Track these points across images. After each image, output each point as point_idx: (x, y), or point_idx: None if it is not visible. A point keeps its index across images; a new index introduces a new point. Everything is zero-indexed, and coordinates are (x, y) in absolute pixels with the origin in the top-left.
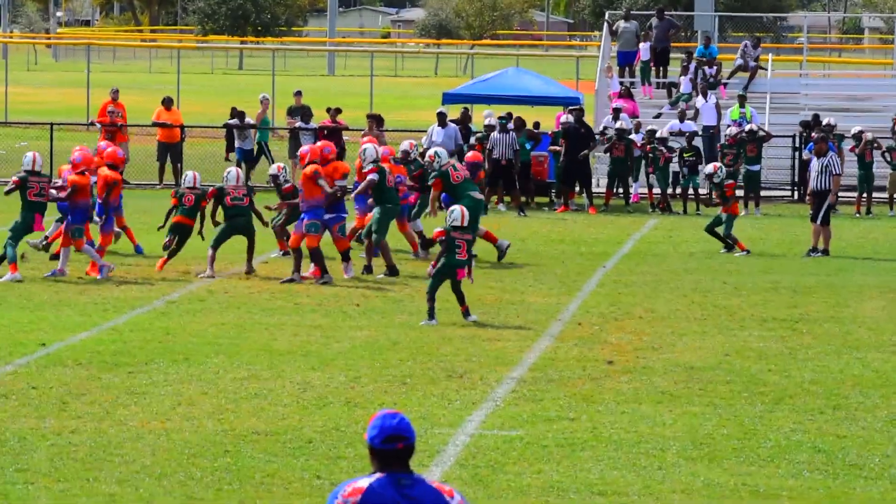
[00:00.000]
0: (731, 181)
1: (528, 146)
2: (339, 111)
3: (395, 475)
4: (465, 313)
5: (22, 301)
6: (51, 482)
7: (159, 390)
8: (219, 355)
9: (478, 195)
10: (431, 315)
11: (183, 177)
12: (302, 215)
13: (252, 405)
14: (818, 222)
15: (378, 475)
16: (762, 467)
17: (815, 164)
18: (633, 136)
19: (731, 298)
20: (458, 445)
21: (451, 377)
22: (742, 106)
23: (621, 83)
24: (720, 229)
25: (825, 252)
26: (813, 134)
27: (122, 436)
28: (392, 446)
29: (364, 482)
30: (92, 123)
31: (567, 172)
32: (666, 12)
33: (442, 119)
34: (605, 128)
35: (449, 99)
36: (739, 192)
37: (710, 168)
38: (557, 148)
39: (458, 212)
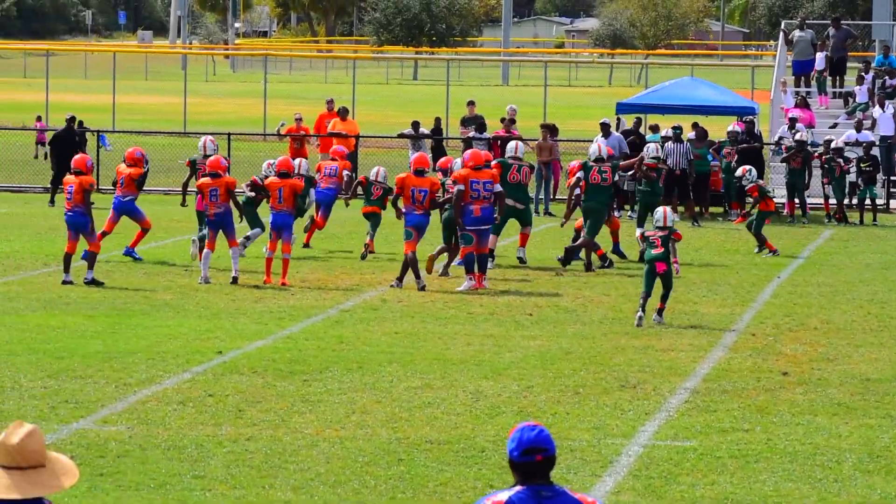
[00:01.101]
0: (753, 184)
1: (709, 157)
2: (513, 121)
3: (535, 487)
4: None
5: (200, 309)
6: (227, 489)
7: (333, 398)
8: (392, 364)
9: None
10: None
11: (375, 171)
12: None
13: (425, 414)
14: None
15: (518, 488)
16: None
17: None
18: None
19: None
20: (630, 456)
21: (624, 387)
22: None
23: (797, 93)
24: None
25: None
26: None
27: (296, 443)
28: (531, 458)
29: (504, 495)
30: (279, 134)
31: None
32: (843, 21)
33: (605, 129)
34: (781, 138)
35: (623, 109)
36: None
37: (739, 171)
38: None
39: (660, 212)
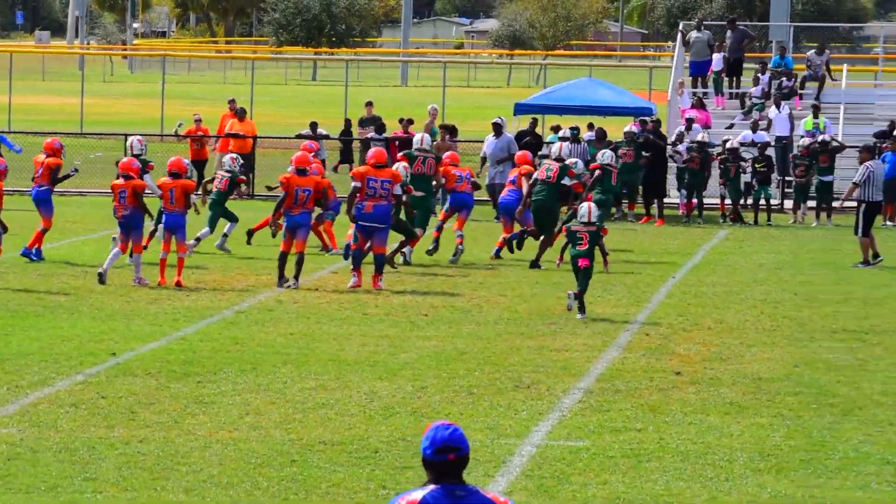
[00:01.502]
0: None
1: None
2: (411, 122)
3: (449, 486)
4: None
5: (94, 311)
6: (119, 491)
7: (227, 400)
8: (287, 365)
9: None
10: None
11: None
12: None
13: (319, 415)
14: (859, 234)
15: (432, 487)
16: (830, 479)
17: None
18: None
19: (801, 310)
20: (524, 456)
21: (518, 387)
22: (816, 116)
23: (694, 93)
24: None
25: (865, 262)
26: (885, 144)
27: (189, 445)
28: (444, 457)
29: (418, 494)
30: (177, 134)
31: (647, 184)
32: (739, 22)
33: (497, 129)
34: (677, 140)
35: (521, 109)
36: (811, 203)
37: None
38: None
39: (585, 208)
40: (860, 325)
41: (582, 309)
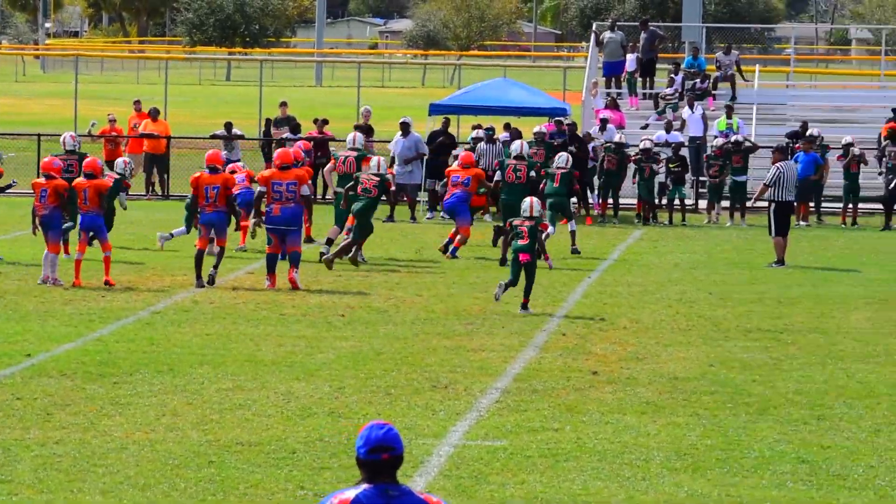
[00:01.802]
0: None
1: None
2: (326, 122)
3: (382, 486)
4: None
5: (8, 312)
6: (34, 493)
7: (144, 401)
8: (203, 366)
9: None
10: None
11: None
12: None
13: (236, 416)
14: (772, 234)
15: (365, 486)
16: (746, 478)
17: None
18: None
19: (716, 309)
20: (441, 456)
21: (436, 388)
22: (729, 117)
23: (608, 94)
24: None
25: (779, 262)
26: (797, 144)
27: (106, 446)
28: (377, 457)
29: (351, 493)
30: (90, 134)
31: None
32: (653, 23)
33: (405, 128)
34: (593, 138)
35: (436, 110)
36: (725, 203)
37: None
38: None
39: (527, 202)
40: (774, 325)
41: (525, 306)
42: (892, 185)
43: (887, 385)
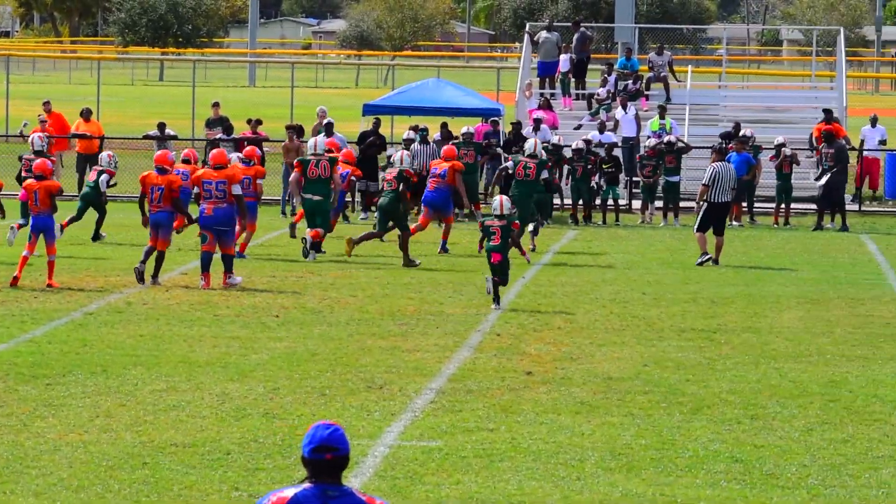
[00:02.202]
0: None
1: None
2: (259, 122)
3: (323, 486)
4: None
5: None
6: None
7: (77, 402)
8: (137, 367)
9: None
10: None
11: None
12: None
13: (170, 417)
14: (704, 231)
15: (306, 485)
16: (680, 477)
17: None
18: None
19: (650, 309)
20: (377, 457)
21: (371, 388)
22: (662, 117)
23: (541, 94)
24: None
25: (705, 255)
26: (730, 145)
27: (39, 448)
28: (321, 457)
29: (290, 492)
30: (22, 135)
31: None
32: (586, 24)
33: (329, 129)
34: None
35: (369, 110)
36: (658, 203)
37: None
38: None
39: (497, 200)
40: (708, 325)
41: (497, 299)
42: (822, 183)
43: (819, 384)
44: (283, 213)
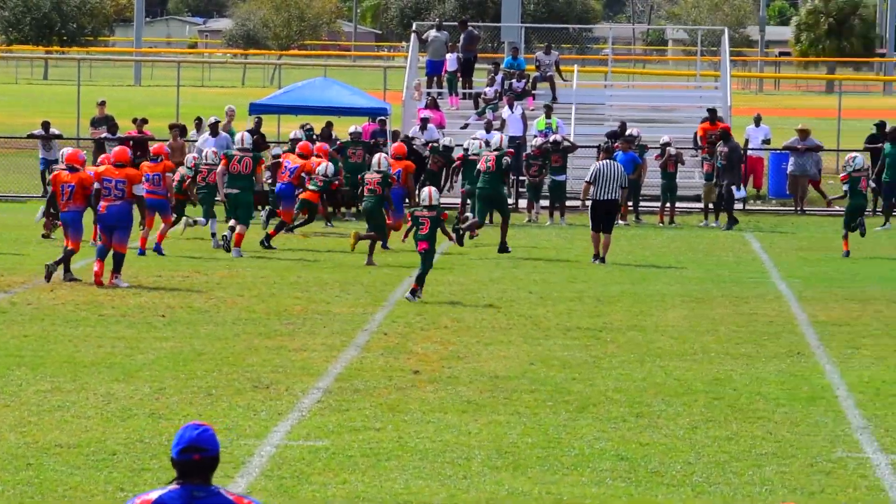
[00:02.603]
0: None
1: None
2: (145, 121)
3: (190, 487)
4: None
5: None
6: None
7: None
8: (21, 367)
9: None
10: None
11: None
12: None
13: (55, 418)
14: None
15: (172, 487)
16: (566, 475)
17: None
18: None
19: (537, 308)
20: (263, 456)
21: (258, 388)
22: (548, 116)
23: (428, 93)
24: None
25: (602, 259)
26: (616, 144)
27: None
28: (189, 457)
29: (155, 494)
30: None
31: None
32: (470, 23)
33: (214, 128)
34: (413, 138)
35: (256, 109)
36: (545, 203)
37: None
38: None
39: (426, 192)
40: (594, 323)
41: (415, 293)
42: (717, 183)
43: (704, 382)
44: (258, 208)
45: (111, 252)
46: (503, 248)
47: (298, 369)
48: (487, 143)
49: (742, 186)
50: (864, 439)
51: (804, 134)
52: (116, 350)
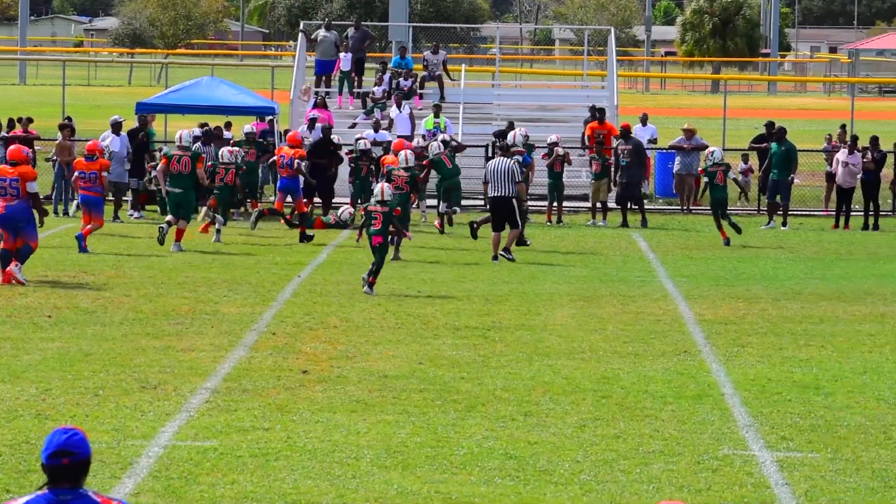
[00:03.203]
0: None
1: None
2: (30, 120)
3: (57, 491)
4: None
5: None
6: None
7: None
8: None
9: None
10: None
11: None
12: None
13: None
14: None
15: (40, 492)
16: (455, 474)
17: None
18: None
19: (426, 307)
20: (151, 457)
21: (145, 388)
22: (436, 116)
23: (316, 93)
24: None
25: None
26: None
27: None
28: (58, 462)
29: (21, 501)
30: None
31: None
32: (362, 22)
33: (116, 128)
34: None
35: (142, 108)
36: (431, 202)
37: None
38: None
39: (378, 188)
40: (482, 322)
41: (371, 285)
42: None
43: (592, 381)
44: (56, 212)
45: (22, 245)
46: (473, 232)
47: (186, 369)
48: (446, 143)
49: (647, 183)
50: (750, 437)
51: (690, 133)
52: (2, 351)
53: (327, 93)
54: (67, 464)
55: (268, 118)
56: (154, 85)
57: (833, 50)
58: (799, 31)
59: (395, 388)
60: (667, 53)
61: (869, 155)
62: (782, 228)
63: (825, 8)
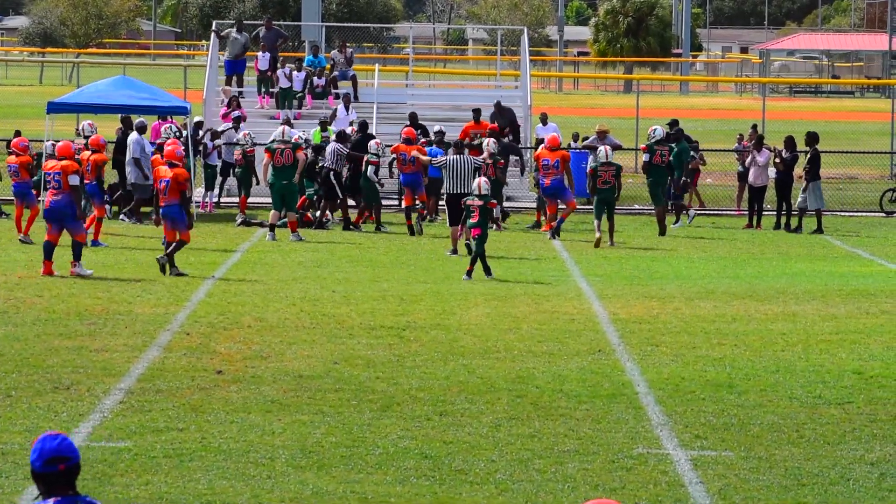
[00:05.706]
0: None
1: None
2: None
3: (70, 498)
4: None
5: None
6: None
7: None
8: None
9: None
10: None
11: None
12: None
13: None
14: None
15: (52, 500)
16: (370, 474)
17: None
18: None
19: (341, 307)
20: None
21: (58, 389)
22: (324, 130)
23: (239, 93)
24: None
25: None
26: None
27: None
28: (53, 468)
29: None
30: None
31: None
32: (274, 22)
33: (141, 129)
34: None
35: (54, 108)
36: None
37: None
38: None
39: (476, 183)
40: (397, 322)
41: (471, 271)
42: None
43: (506, 380)
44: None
45: (71, 242)
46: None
47: (100, 370)
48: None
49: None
50: (664, 436)
51: (603, 133)
52: None
53: (240, 92)
54: (63, 469)
55: (196, 121)
56: (66, 84)
57: (744, 50)
58: (710, 32)
59: (311, 388)
60: (580, 54)
61: (778, 155)
62: (673, 226)
63: (736, 8)
